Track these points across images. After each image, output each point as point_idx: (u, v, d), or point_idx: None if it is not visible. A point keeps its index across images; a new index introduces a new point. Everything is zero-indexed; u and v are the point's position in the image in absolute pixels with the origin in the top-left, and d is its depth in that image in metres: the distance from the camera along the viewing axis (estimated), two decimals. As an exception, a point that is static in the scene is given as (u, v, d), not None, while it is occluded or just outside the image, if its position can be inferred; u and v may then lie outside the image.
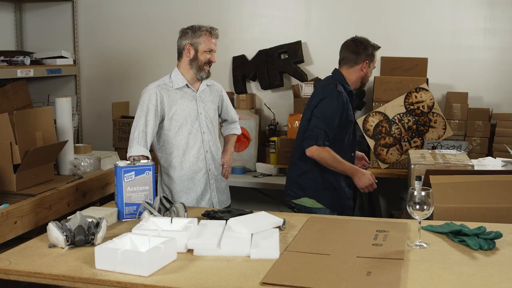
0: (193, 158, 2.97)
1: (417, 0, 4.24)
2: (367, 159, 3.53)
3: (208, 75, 2.97)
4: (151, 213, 2.33)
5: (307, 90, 4.28)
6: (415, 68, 4.00)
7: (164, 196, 2.51)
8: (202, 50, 2.90)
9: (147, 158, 2.72)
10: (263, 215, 2.35)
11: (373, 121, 3.92)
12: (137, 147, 2.81)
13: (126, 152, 2.84)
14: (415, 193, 2.00)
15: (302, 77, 4.39)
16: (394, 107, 3.89)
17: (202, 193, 3.01)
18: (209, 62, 2.94)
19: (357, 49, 3.23)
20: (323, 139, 2.96)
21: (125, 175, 2.46)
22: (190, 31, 2.91)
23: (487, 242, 2.03)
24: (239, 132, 3.33)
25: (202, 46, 2.90)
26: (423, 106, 3.85)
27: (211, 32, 2.92)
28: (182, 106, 2.92)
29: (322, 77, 4.28)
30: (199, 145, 2.97)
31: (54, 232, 2.07)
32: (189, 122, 2.93)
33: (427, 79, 3.91)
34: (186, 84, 2.95)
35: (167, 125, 2.91)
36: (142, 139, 2.82)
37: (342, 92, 3.12)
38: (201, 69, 2.93)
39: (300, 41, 4.41)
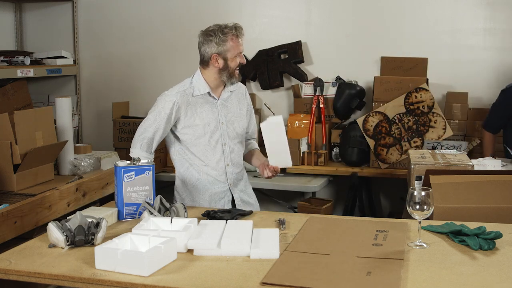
0: (213, 171, 2.75)
1: (417, 0, 4.24)
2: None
3: (239, 79, 2.73)
4: (151, 213, 2.33)
5: (307, 90, 4.28)
6: (415, 68, 4.00)
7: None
8: (232, 56, 2.64)
9: None
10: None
11: (373, 121, 3.92)
12: (140, 152, 2.70)
13: (129, 151, 2.78)
14: (415, 193, 2.00)
15: (302, 77, 4.39)
16: (394, 107, 3.89)
17: (221, 207, 2.77)
18: (240, 65, 2.69)
19: None
20: None
21: (125, 175, 2.46)
22: (215, 38, 2.61)
23: (487, 242, 2.03)
24: (257, 147, 3.01)
25: (231, 52, 2.63)
26: (423, 106, 3.85)
27: (237, 34, 2.62)
28: (202, 115, 2.69)
29: (322, 77, 4.29)
30: (219, 158, 2.74)
31: (54, 232, 2.07)
32: (208, 132, 2.70)
33: (427, 79, 3.92)
34: (208, 92, 2.71)
35: (184, 134, 2.71)
36: (146, 144, 2.70)
37: None
38: (233, 76, 2.68)
39: (300, 41, 4.41)
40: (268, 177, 2.75)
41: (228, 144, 2.77)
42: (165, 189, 4.23)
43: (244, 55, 2.78)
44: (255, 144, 3.02)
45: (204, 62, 2.71)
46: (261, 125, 2.57)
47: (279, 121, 2.55)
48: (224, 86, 2.78)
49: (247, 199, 2.89)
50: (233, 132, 2.80)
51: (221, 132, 2.75)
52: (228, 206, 2.82)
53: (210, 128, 2.72)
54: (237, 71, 2.70)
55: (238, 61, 2.68)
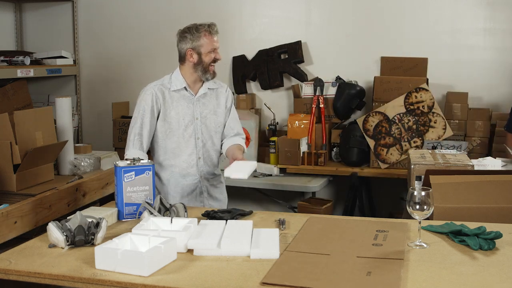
0: (184, 163, 2.88)
1: (417, 0, 4.24)
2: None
3: (213, 76, 2.85)
4: (151, 213, 2.33)
5: (307, 90, 4.28)
6: (415, 68, 4.00)
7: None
8: (206, 51, 2.78)
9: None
10: (240, 163, 2.55)
11: (373, 121, 3.92)
12: (133, 150, 2.79)
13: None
14: (415, 193, 2.00)
15: (302, 77, 4.39)
16: (394, 107, 3.89)
17: (190, 198, 2.92)
18: (215, 61, 2.82)
19: None
20: None
21: (125, 175, 2.46)
22: (189, 35, 2.78)
23: (487, 242, 2.03)
24: (242, 143, 3.00)
25: (205, 47, 2.78)
26: (423, 106, 3.85)
27: (210, 31, 2.78)
28: (177, 109, 2.83)
29: (322, 77, 4.30)
30: (191, 151, 2.88)
31: (54, 232, 2.07)
32: (182, 126, 2.84)
33: (427, 79, 3.92)
34: (185, 87, 2.85)
35: (159, 126, 2.85)
36: (138, 141, 2.80)
37: None
38: (206, 71, 2.81)
39: (300, 41, 4.41)
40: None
41: (201, 139, 2.89)
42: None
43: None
44: (239, 140, 3.01)
45: (181, 58, 2.86)
46: (225, 174, 2.66)
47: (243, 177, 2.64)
48: (203, 84, 2.89)
49: (216, 195, 3.02)
50: (207, 128, 2.91)
51: (195, 127, 2.87)
52: (200, 198, 2.95)
53: (184, 122, 2.84)
54: (212, 67, 2.84)
55: (213, 56, 2.81)
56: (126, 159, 2.63)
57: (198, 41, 2.78)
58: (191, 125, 2.86)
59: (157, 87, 2.84)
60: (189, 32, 2.79)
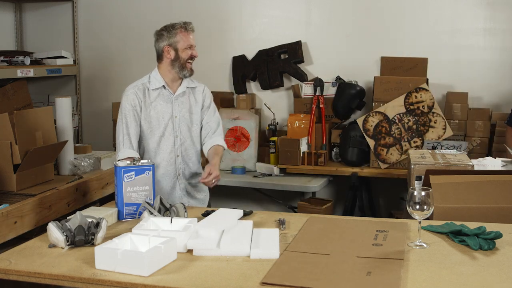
0: (164, 161, 2.91)
1: (417, 0, 4.24)
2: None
3: (191, 73, 2.90)
4: (151, 213, 2.33)
5: (307, 90, 4.28)
6: (415, 68, 4.00)
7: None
8: (182, 48, 2.84)
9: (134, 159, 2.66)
10: (223, 212, 2.37)
11: (373, 121, 3.92)
12: (123, 150, 2.81)
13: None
14: (415, 193, 2.00)
15: (302, 77, 4.39)
16: (394, 107, 3.89)
17: (168, 195, 2.93)
18: (192, 58, 2.87)
19: None
20: None
21: (125, 175, 2.46)
22: (165, 32, 2.85)
23: (487, 242, 2.03)
24: (221, 142, 3.01)
25: (181, 43, 2.84)
26: (423, 106, 3.85)
27: (186, 27, 2.85)
28: (156, 108, 2.87)
29: (322, 77, 4.30)
30: (171, 149, 2.91)
31: (54, 232, 2.07)
32: (162, 124, 2.87)
33: (427, 79, 3.92)
34: (163, 86, 2.89)
35: (142, 125, 2.88)
36: (127, 141, 2.83)
37: None
38: (184, 67, 2.86)
39: (300, 41, 4.41)
40: (204, 182, 2.81)
41: (179, 137, 2.93)
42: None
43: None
44: (219, 140, 3.01)
45: (159, 56, 2.91)
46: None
47: None
48: (181, 82, 2.94)
49: (195, 194, 3.03)
50: (185, 126, 2.94)
51: (173, 125, 2.91)
52: (178, 196, 2.95)
53: (164, 120, 2.88)
54: (189, 64, 2.88)
55: (189, 53, 2.86)
56: (119, 161, 2.64)
57: (174, 37, 2.84)
58: (170, 123, 2.90)
59: (137, 87, 2.88)
60: (166, 30, 2.87)
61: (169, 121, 2.89)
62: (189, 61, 2.87)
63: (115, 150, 4.21)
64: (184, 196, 2.98)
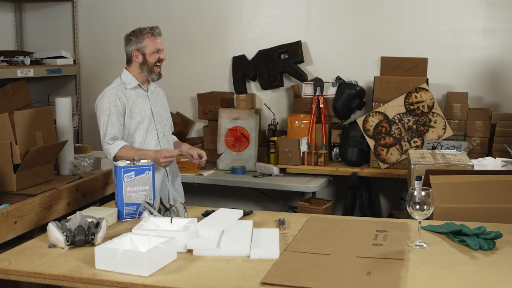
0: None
1: (417, 0, 4.24)
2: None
3: (159, 77, 3.02)
4: (151, 213, 2.33)
5: (307, 90, 4.28)
6: (415, 68, 4.00)
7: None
8: (149, 52, 2.95)
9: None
10: (223, 212, 2.38)
11: (373, 121, 3.92)
12: (113, 143, 2.89)
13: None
14: (415, 193, 2.00)
15: (302, 77, 4.39)
16: (394, 107, 3.89)
17: (160, 189, 3.03)
18: (159, 61, 2.99)
19: None
20: None
21: (125, 175, 2.46)
22: (133, 37, 2.96)
23: (487, 242, 2.03)
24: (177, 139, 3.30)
25: (148, 48, 2.95)
26: (423, 106, 3.85)
27: (152, 32, 2.96)
28: (139, 104, 3.00)
29: (322, 77, 4.30)
30: (155, 142, 3.03)
31: (54, 232, 2.07)
32: (146, 119, 2.99)
33: (427, 79, 3.91)
34: (138, 84, 3.02)
35: (127, 122, 2.97)
36: (112, 138, 2.90)
37: None
38: (152, 71, 2.98)
39: (300, 41, 4.41)
40: (198, 164, 3.04)
41: (160, 131, 3.07)
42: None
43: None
44: (174, 137, 3.28)
45: (128, 60, 3.04)
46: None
47: None
48: (149, 82, 3.08)
49: (176, 186, 3.17)
50: (163, 120, 3.11)
51: (154, 119, 3.04)
52: (165, 190, 3.06)
53: (147, 115, 3.01)
54: (157, 68, 3.00)
55: (157, 57, 2.98)
56: (116, 156, 2.77)
57: (141, 42, 2.96)
58: (152, 117, 3.03)
59: (116, 89, 2.99)
60: (133, 35, 2.98)
61: (151, 116, 3.02)
62: (157, 64, 3.00)
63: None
64: (171, 188, 3.12)
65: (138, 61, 2.98)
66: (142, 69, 2.99)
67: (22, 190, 2.96)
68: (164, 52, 3.02)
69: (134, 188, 2.48)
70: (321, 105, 4.17)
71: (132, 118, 2.97)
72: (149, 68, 2.98)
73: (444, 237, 2.17)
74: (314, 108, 4.17)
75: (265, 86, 4.54)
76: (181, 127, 4.63)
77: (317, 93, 4.20)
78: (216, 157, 4.31)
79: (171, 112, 3.29)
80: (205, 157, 3.04)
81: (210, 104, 4.45)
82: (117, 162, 2.51)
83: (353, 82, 4.24)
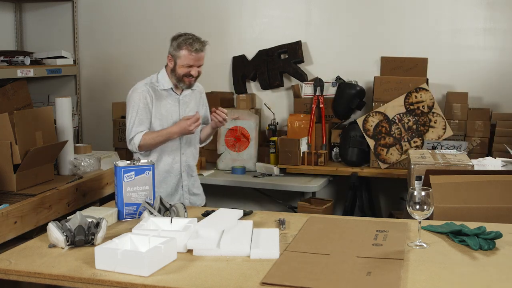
0: (169, 158, 3.00)
1: (417, 0, 4.24)
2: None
3: (188, 87, 2.97)
4: (151, 213, 2.33)
5: (307, 90, 4.28)
6: (415, 68, 4.00)
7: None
8: (180, 64, 2.89)
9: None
10: (223, 212, 2.38)
11: (373, 121, 3.92)
12: (135, 135, 2.86)
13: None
14: (415, 193, 2.00)
15: (302, 77, 4.39)
16: (394, 107, 3.89)
17: (172, 193, 3.04)
18: (189, 76, 2.92)
19: None
20: None
21: (125, 175, 2.46)
22: (175, 42, 2.90)
23: (487, 242, 2.03)
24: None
25: (181, 60, 2.89)
26: (423, 106, 3.85)
27: (189, 48, 2.86)
28: (166, 107, 2.96)
29: (322, 77, 4.30)
30: (176, 147, 3.00)
31: (54, 232, 2.07)
32: (170, 123, 2.95)
33: (427, 79, 3.92)
34: (171, 88, 2.98)
35: (152, 121, 2.94)
36: (140, 134, 2.89)
37: None
38: (180, 81, 2.93)
39: (300, 41, 4.41)
40: (218, 122, 2.97)
41: (185, 136, 3.00)
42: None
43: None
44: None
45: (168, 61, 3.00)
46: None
47: None
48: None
49: (194, 190, 3.15)
50: None
51: None
52: (180, 193, 3.06)
53: (172, 119, 2.97)
54: (187, 79, 2.92)
55: (185, 71, 2.90)
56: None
57: (178, 51, 2.89)
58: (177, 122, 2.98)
59: (148, 86, 2.95)
60: (176, 39, 2.92)
61: (176, 119, 2.97)
62: (188, 77, 2.91)
63: (115, 150, 4.24)
64: (186, 193, 3.09)
65: (170, 66, 2.94)
66: (172, 74, 2.95)
67: (22, 190, 2.95)
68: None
69: (134, 188, 2.48)
70: (321, 105, 4.17)
71: (157, 118, 2.94)
72: (176, 77, 2.93)
73: (444, 237, 2.17)
74: (314, 108, 4.17)
75: (265, 86, 4.54)
76: (181, 127, 4.62)
77: (317, 93, 4.20)
78: (216, 157, 4.31)
79: None
80: (224, 111, 2.97)
81: (210, 104, 4.44)
82: (117, 162, 2.51)
83: (353, 82, 4.24)
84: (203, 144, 3.23)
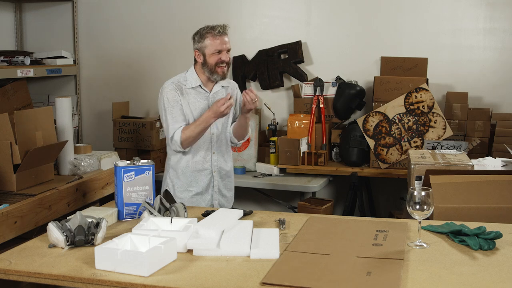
0: (200, 158, 2.97)
1: (417, 0, 4.24)
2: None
3: (222, 77, 2.92)
4: (151, 213, 2.33)
5: (307, 90, 4.28)
6: (415, 68, 4.00)
7: (166, 190, 2.61)
8: (209, 53, 2.85)
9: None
10: (223, 212, 2.37)
11: (373, 121, 3.92)
12: (177, 128, 2.83)
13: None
14: (415, 193, 2.00)
15: (302, 77, 4.39)
16: (394, 107, 3.89)
17: (203, 192, 3.01)
18: (222, 63, 2.87)
19: None
20: None
21: (125, 175, 2.46)
22: (197, 36, 2.89)
23: (487, 242, 2.03)
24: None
25: (208, 49, 2.85)
26: (423, 106, 3.85)
27: (213, 32, 2.84)
28: (195, 105, 2.91)
29: (322, 77, 4.30)
30: (208, 146, 2.97)
31: (54, 232, 2.07)
32: None
33: (427, 79, 3.92)
34: (199, 85, 2.93)
35: None
36: (179, 129, 2.84)
37: None
38: (213, 72, 2.88)
39: (300, 41, 4.41)
40: (248, 102, 2.86)
41: (215, 134, 2.98)
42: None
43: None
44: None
45: (194, 58, 2.95)
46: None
47: None
48: (216, 82, 2.98)
49: (224, 192, 3.09)
50: (220, 124, 3.00)
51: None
52: (211, 193, 3.02)
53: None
54: (220, 68, 2.88)
55: (216, 59, 2.86)
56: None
57: (202, 42, 2.86)
58: None
59: (175, 84, 2.91)
60: (197, 33, 2.90)
61: None
62: (220, 65, 2.87)
63: (115, 150, 4.24)
64: (216, 194, 3.04)
65: (200, 61, 2.89)
66: (204, 69, 2.90)
67: (22, 190, 2.96)
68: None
69: (134, 188, 2.48)
70: (321, 105, 4.18)
71: (186, 116, 2.90)
72: (209, 69, 2.88)
73: (444, 237, 2.17)
74: (314, 108, 4.17)
75: (265, 86, 4.54)
76: (181, 127, 4.63)
77: (317, 93, 4.20)
78: (216, 157, 4.31)
79: None
80: (253, 92, 2.88)
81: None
82: (117, 162, 2.51)
83: (353, 82, 4.24)
84: (241, 141, 3.12)
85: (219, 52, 2.85)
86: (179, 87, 2.90)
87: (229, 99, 2.79)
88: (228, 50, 2.90)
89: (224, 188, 3.08)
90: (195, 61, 2.94)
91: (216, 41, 2.84)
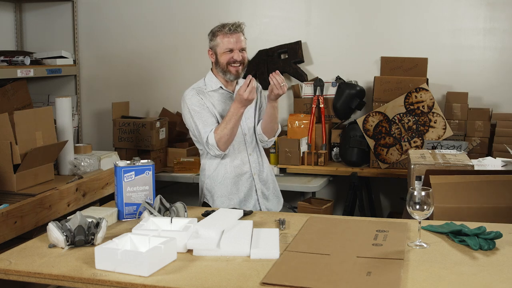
0: (239, 161, 2.86)
1: (417, 0, 4.24)
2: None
3: (236, 76, 2.79)
4: (151, 213, 2.33)
5: (307, 90, 4.28)
6: (415, 68, 4.00)
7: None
8: (221, 52, 2.76)
9: None
10: (223, 212, 2.36)
11: (373, 121, 3.92)
12: (208, 132, 2.71)
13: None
14: (415, 193, 2.00)
15: (302, 77, 4.39)
16: (394, 107, 3.89)
17: (245, 198, 2.88)
18: (234, 62, 2.76)
19: None
20: None
21: (125, 175, 2.46)
22: (210, 35, 2.80)
23: (487, 242, 2.03)
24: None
25: (220, 47, 2.76)
26: (423, 106, 3.85)
27: (223, 30, 2.73)
28: (221, 106, 2.81)
29: (322, 77, 4.30)
30: (243, 147, 2.87)
31: (54, 232, 2.07)
32: None
33: (427, 79, 3.92)
34: (220, 87, 2.83)
35: None
36: (211, 132, 2.72)
37: None
38: (226, 72, 2.78)
39: (300, 41, 4.41)
40: (275, 86, 2.71)
41: (248, 134, 2.89)
42: (165, 189, 4.23)
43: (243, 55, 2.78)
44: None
45: (211, 62, 2.86)
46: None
47: None
48: (237, 81, 2.87)
49: (268, 195, 2.96)
50: (249, 124, 2.90)
51: (241, 123, 2.81)
52: (255, 198, 2.88)
53: None
54: (232, 67, 2.77)
55: (228, 58, 2.75)
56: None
57: (214, 41, 2.78)
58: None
59: (195, 90, 2.81)
60: (210, 33, 2.81)
61: None
62: (233, 64, 2.76)
63: (115, 150, 4.24)
64: (260, 197, 2.91)
65: (212, 60, 2.81)
66: (217, 69, 2.80)
67: (22, 190, 2.96)
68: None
69: (134, 188, 2.48)
70: (321, 105, 4.18)
71: (215, 118, 2.78)
72: (221, 69, 2.77)
73: (444, 237, 2.17)
74: (314, 108, 4.17)
75: (265, 86, 4.54)
76: (181, 127, 4.62)
77: (317, 93, 4.20)
78: (216, 157, 4.30)
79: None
80: (280, 75, 2.72)
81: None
82: (117, 162, 2.51)
83: (353, 82, 4.24)
84: (271, 139, 2.98)
85: (231, 50, 2.74)
86: (200, 91, 2.80)
87: (249, 82, 2.62)
88: (242, 49, 2.77)
89: (267, 192, 2.95)
90: (212, 63, 2.85)
91: (226, 39, 2.74)
